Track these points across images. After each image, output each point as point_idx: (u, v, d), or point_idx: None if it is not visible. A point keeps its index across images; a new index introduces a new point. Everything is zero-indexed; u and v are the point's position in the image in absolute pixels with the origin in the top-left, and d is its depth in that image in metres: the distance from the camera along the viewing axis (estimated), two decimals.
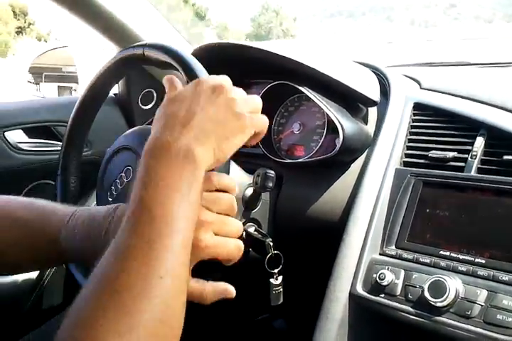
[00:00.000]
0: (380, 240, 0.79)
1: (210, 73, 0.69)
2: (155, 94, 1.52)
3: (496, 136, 0.80)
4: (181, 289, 0.50)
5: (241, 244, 0.64)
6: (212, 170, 0.61)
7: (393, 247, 0.78)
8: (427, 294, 0.68)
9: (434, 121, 0.89)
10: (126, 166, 0.81)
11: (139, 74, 1.48)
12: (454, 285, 0.67)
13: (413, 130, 0.90)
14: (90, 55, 1.75)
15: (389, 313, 0.73)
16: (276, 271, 0.82)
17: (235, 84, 0.80)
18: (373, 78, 1.00)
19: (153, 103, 1.53)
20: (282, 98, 1.07)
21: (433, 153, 0.83)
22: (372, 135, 0.94)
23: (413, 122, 0.91)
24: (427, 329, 0.69)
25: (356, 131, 0.91)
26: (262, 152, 1.02)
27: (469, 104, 0.89)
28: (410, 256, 0.75)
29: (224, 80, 0.61)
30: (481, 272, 0.68)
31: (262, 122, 0.64)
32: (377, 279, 0.74)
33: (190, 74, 0.69)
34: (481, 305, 0.66)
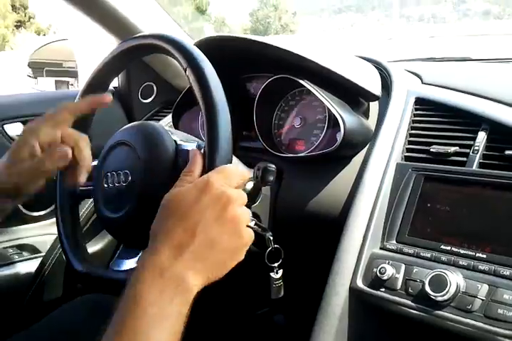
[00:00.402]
0: (381, 234, 0.79)
1: None
2: (155, 88, 1.52)
3: (497, 131, 0.79)
4: None
5: None
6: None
7: (394, 241, 0.78)
8: (427, 288, 0.68)
9: (435, 115, 0.89)
10: (123, 170, 0.80)
11: (139, 67, 1.48)
12: (455, 279, 0.67)
13: (415, 125, 0.90)
14: (90, 49, 1.75)
15: (389, 307, 0.73)
16: (276, 264, 0.82)
17: (236, 77, 0.80)
18: (375, 72, 1.00)
19: (153, 96, 1.53)
20: (283, 92, 1.06)
21: (434, 148, 0.82)
22: (373, 129, 0.94)
23: (414, 117, 0.91)
24: (427, 324, 0.69)
25: (357, 126, 0.90)
26: (262, 146, 1.02)
27: (471, 98, 0.88)
28: (411, 251, 0.75)
29: (232, 192, 0.60)
30: (482, 266, 0.68)
31: (252, 235, 0.64)
32: (378, 273, 0.73)
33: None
34: (482, 300, 0.66)
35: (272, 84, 1.01)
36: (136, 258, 0.81)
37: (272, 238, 0.82)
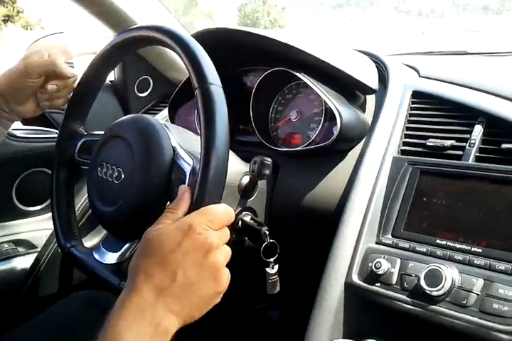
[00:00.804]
0: (377, 229, 0.79)
1: None
2: (151, 82, 1.51)
3: (494, 124, 0.79)
4: None
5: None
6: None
7: (389, 236, 0.77)
8: (422, 283, 0.67)
9: (432, 109, 0.89)
10: (117, 167, 0.80)
11: (135, 61, 1.47)
12: (450, 274, 0.66)
13: (411, 118, 0.89)
14: (86, 42, 1.73)
15: (384, 302, 0.73)
16: (272, 259, 0.81)
17: (232, 70, 0.79)
18: (372, 66, 0.99)
19: (149, 90, 1.52)
20: (280, 85, 1.06)
21: (431, 142, 0.82)
22: (369, 123, 0.93)
23: (411, 110, 0.90)
24: (422, 319, 0.69)
25: (354, 119, 0.90)
26: (258, 140, 1.01)
27: (468, 92, 0.88)
28: (406, 245, 0.74)
29: (214, 238, 0.60)
30: (478, 261, 0.68)
31: (229, 278, 0.63)
32: (373, 268, 0.73)
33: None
34: (477, 294, 0.65)
35: (268, 78, 1.00)
36: (118, 254, 0.81)
37: (267, 232, 0.82)
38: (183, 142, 0.79)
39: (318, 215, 0.90)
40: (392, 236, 0.77)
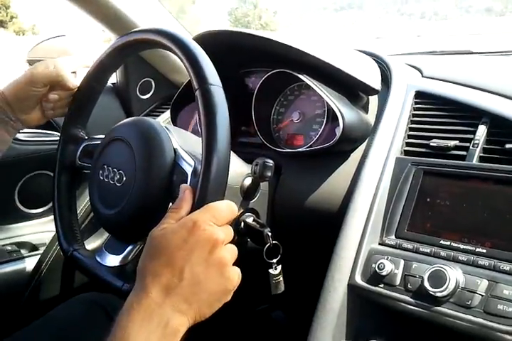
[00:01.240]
0: (380, 230, 0.78)
1: None
2: (153, 84, 1.51)
3: (498, 125, 0.78)
4: None
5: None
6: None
7: (393, 237, 0.77)
8: (426, 284, 0.67)
9: (435, 109, 0.88)
10: (119, 169, 0.80)
11: (138, 63, 1.47)
12: (454, 275, 0.66)
13: (414, 118, 0.89)
14: (87, 45, 1.74)
15: (388, 304, 0.72)
16: (274, 260, 0.81)
17: (234, 72, 0.78)
18: (374, 66, 0.99)
19: (151, 92, 1.52)
20: (282, 87, 1.06)
21: (434, 142, 0.82)
22: (372, 124, 0.93)
23: (414, 110, 0.90)
24: (426, 320, 0.68)
25: (357, 120, 0.89)
26: (260, 141, 1.01)
27: (471, 92, 0.88)
28: (410, 246, 0.74)
29: (219, 233, 0.60)
30: (482, 262, 0.67)
31: (240, 275, 0.64)
32: (377, 269, 0.72)
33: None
34: (482, 295, 0.65)
35: (270, 79, 1.00)
36: (121, 256, 0.81)
37: (270, 234, 0.82)
38: (184, 144, 0.79)
39: (320, 216, 0.90)
40: (396, 237, 0.77)
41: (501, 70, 1.01)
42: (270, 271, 0.81)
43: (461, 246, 0.70)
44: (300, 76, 0.92)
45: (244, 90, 1.14)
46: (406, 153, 0.85)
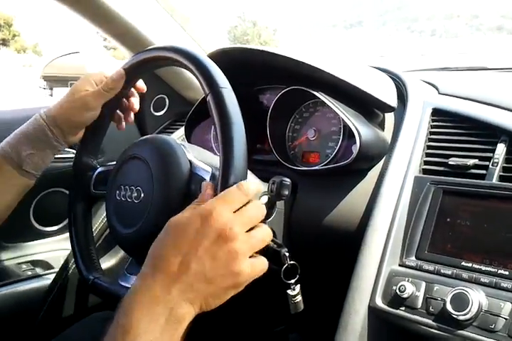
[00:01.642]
0: (400, 250, 0.77)
1: None
2: (167, 100, 1.51)
3: None
4: None
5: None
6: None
7: (413, 258, 0.76)
8: (449, 307, 0.65)
9: (453, 127, 0.87)
10: (136, 186, 0.80)
11: (151, 80, 1.47)
12: (477, 297, 0.65)
13: (432, 136, 0.88)
14: (102, 62, 1.75)
15: (410, 327, 0.71)
16: (293, 281, 0.80)
17: (249, 89, 0.77)
18: (390, 83, 0.98)
19: (165, 109, 1.52)
20: (297, 104, 1.05)
21: (453, 161, 0.81)
22: (389, 141, 0.92)
23: (432, 128, 0.89)
24: None
25: (373, 138, 0.89)
26: (276, 159, 1.01)
27: (489, 109, 0.87)
28: (431, 268, 0.72)
29: (232, 220, 0.59)
30: (505, 284, 0.66)
31: (262, 268, 0.64)
32: (397, 291, 0.71)
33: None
34: (506, 319, 0.63)
35: (285, 96, 1.00)
36: None
37: (287, 254, 0.81)
38: (199, 156, 0.79)
39: (338, 235, 0.89)
40: (416, 258, 0.75)
41: None
42: (288, 291, 0.80)
43: (483, 268, 0.69)
44: (315, 93, 0.91)
45: (259, 107, 1.14)
46: (424, 171, 0.84)
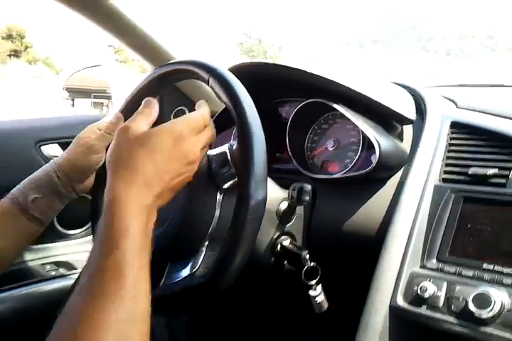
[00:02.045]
0: (420, 254, 0.78)
1: None
2: (187, 112, 1.54)
3: None
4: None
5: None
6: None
7: (434, 261, 0.77)
8: (471, 306, 0.67)
9: (472, 139, 0.89)
10: None
11: (171, 91, 1.50)
12: (500, 297, 0.66)
13: (451, 148, 0.90)
14: (123, 74, 1.78)
15: (431, 325, 0.72)
16: (313, 282, 0.81)
17: (268, 102, 0.80)
18: (409, 97, 1.00)
19: None
20: (315, 116, 1.08)
21: (473, 170, 0.82)
22: (408, 152, 0.94)
23: (451, 140, 0.91)
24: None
25: (393, 148, 0.91)
26: (295, 167, 1.03)
27: (507, 122, 0.88)
28: (452, 269, 0.74)
29: (195, 142, 0.68)
30: None
31: (210, 135, 0.73)
32: (419, 291, 0.72)
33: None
34: None
35: (304, 108, 1.03)
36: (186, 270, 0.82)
37: (307, 256, 0.82)
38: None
39: (358, 240, 0.90)
40: (437, 260, 0.77)
41: None
42: (310, 292, 0.81)
43: (505, 270, 0.70)
44: (336, 106, 0.93)
45: (278, 119, 1.16)
46: (444, 180, 0.85)
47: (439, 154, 0.89)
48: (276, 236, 0.88)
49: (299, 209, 0.93)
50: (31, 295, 1.24)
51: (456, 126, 0.93)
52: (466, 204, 0.79)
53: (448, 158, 0.89)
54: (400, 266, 0.78)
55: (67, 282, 1.29)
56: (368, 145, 0.95)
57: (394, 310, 0.76)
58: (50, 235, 1.36)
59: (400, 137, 0.98)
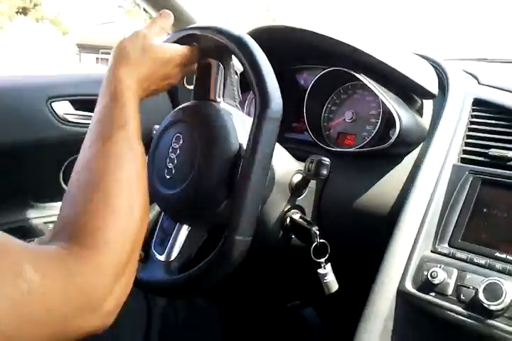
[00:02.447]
0: (433, 237, 0.77)
1: None
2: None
3: None
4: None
5: None
6: None
7: (446, 245, 0.75)
8: (481, 296, 0.65)
9: (494, 118, 0.86)
10: (176, 134, 0.81)
11: None
12: (511, 288, 0.64)
13: (472, 126, 0.87)
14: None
15: (438, 313, 0.71)
16: (322, 260, 0.81)
17: (285, 68, 0.76)
18: (431, 71, 0.97)
19: None
20: (335, 85, 1.05)
21: (493, 151, 0.80)
22: (427, 129, 0.91)
23: (472, 118, 0.88)
24: (478, 333, 0.67)
25: (413, 124, 0.88)
26: (310, 138, 1.01)
27: None
28: (464, 256, 0.72)
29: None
30: None
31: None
32: (429, 277, 0.71)
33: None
34: None
35: (324, 77, 0.99)
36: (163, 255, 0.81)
37: (317, 232, 0.81)
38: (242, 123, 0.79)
39: (369, 218, 0.89)
40: (449, 245, 0.75)
41: None
42: (319, 270, 0.80)
43: None
44: (358, 76, 0.90)
45: (296, 86, 1.13)
46: (463, 160, 0.83)
47: (460, 133, 0.86)
48: (286, 209, 0.86)
49: (311, 183, 0.91)
50: None
51: (479, 104, 0.90)
52: (483, 188, 0.76)
53: (468, 137, 0.86)
54: (412, 249, 0.76)
55: None
56: (387, 119, 0.92)
57: (402, 294, 0.74)
58: (55, 193, 1.36)
59: (420, 112, 0.95)
